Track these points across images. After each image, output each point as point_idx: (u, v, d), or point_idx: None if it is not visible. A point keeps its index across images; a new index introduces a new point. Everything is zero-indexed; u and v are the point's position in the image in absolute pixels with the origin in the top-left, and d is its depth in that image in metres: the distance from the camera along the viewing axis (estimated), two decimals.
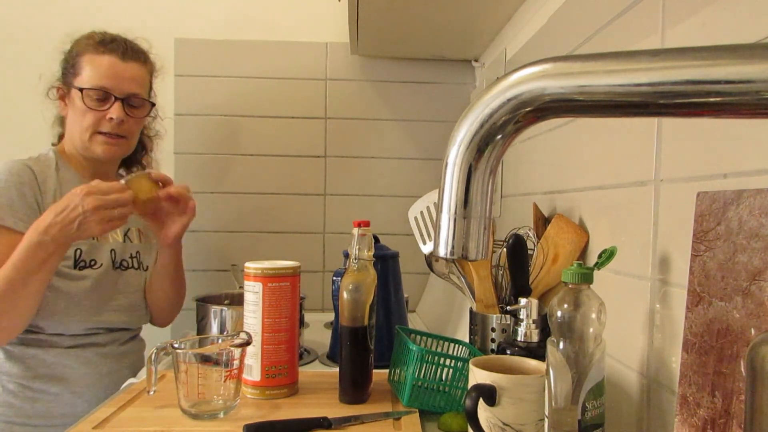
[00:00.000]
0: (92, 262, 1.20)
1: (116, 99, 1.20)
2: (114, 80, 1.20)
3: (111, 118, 1.20)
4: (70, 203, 1.03)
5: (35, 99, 1.31)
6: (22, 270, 1.04)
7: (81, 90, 1.18)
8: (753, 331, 0.49)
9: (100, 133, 1.21)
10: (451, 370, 0.81)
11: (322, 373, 1.02)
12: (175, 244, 1.24)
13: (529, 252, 0.90)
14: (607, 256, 0.70)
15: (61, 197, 1.16)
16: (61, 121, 1.31)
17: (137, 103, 1.25)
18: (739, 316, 0.50)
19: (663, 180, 0.67)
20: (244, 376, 0.87)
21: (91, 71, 1.20)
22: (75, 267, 1.17)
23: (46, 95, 1.28)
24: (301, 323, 1.17)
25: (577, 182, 0.93)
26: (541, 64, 0.33)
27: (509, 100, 0.33)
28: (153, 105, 1.31)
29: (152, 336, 1.42)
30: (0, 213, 1.09)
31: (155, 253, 1.31)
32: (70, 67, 1.23)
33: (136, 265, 1.28)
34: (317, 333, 1.42)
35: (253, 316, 0.88)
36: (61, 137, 1.31)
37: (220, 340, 0.85)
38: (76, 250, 1.17)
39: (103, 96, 1.20)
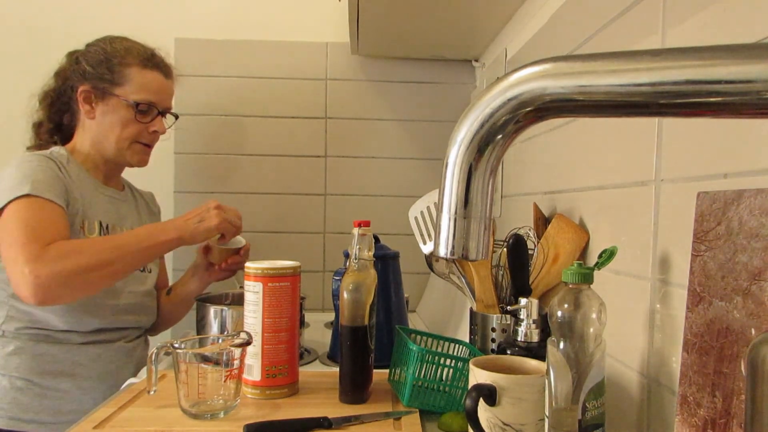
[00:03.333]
0: None
1: (159, 113, 1.29)
2: (160, 96, 1.29)
3: (155, 131, 1.29)
4: (196, 208, 1.21)
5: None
6: (137, 243, 1.14)
7: (137, 104, 1.24)
8: (753, 331, 0.49)
9: (138, 142, 1.28)
10: (451, 370, 0.81)
11: (322, 373, 1.02)
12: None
13: (529, 252, 0.90)
14: (607, 256, 0.70)
15: (78, 194, 1.19)
16: (48, 124, 1.32)
17: (169, 117, 1.34)
18: (740, 316, 0.50)
19: (663, 180, 0.67)
20: (245, 376, 0.87)
21: (141, 85, 1.25)
22: None
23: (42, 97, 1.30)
24: (302, 323, 1.17)
25: (577, 182, 0.93)
26: (541, 64, 0.33)
27: (509, 100, 0.33)
28: (176, 117, 1.37)
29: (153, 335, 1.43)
30: (40, 188, 1.10)
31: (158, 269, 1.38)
32: (106, 73, 1.24)
33: (141, 267, 1.29)
34: (317, 333, 1.42)
35: (253, 316, 0.88)
36: (34, 142, 1.33)
37: (220, 340, 0.85)
38: None
39: (148, 109, 1.27)
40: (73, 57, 1.29)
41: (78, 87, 1.25)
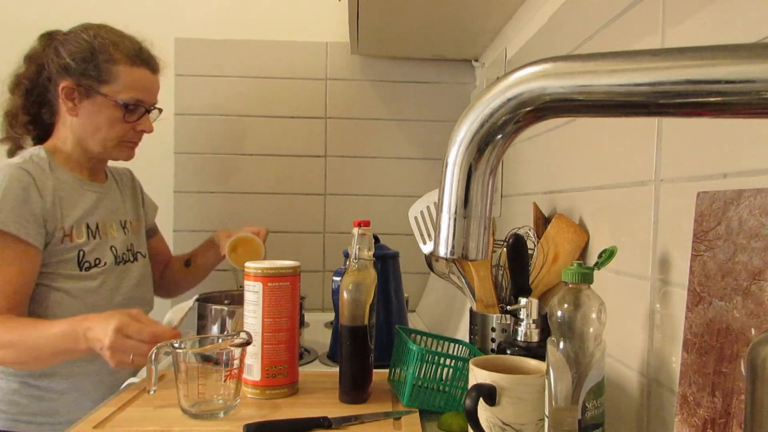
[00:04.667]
0: (97, 261, 1.19)
1: (146, 111, 1.25)
2: (147, 94, 1.24)
3: (142, 131, 1.25)
4: (118, 335, 0.96)
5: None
6: (51, 347, 1.02)
7: (126, 105, 1.19)
8: (753, 331, 0.49)
9: (124, 140, 1.24)
10: (451, 370, 0.81)
11: (322, 373, 1.02)
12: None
13: (529, 252, 0.90)
14: (607, 255, 0.70)
15: (59, 200, 1.16)
16: (24, 116, 1.25)
17: (154, 111, 1.30)
18: (739, 316, 0.50)
19: (663, 180, 0.67)
20: (244, 375, 0.87)
21: (128, 84, 1.20)
22: (80, 269, 1.16)
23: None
24: (301, 323, 1.17)
25: (577, 182, 0.93)
26: (541, 63, 0.33)
27: (509, 99, 0.33)
28: (161, 111, 1.33)
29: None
30: (4, 219, 1.06)
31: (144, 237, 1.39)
32: (92, 69, 1.18)
33: (132, 258, 1.29)
34: (317, 333, 1.42)
35: (253, 315, 0.88)
36: (6, 133, 1.27)
37: (220, 340, 0.85)
38: (79, 252, 1.16)
39: (136, 108, 1.23)
40: (51, 45, 1.21)
41: (59, 82, 1.18)
